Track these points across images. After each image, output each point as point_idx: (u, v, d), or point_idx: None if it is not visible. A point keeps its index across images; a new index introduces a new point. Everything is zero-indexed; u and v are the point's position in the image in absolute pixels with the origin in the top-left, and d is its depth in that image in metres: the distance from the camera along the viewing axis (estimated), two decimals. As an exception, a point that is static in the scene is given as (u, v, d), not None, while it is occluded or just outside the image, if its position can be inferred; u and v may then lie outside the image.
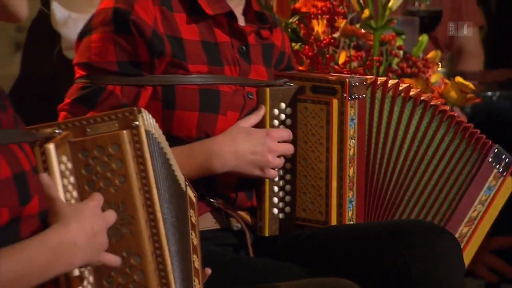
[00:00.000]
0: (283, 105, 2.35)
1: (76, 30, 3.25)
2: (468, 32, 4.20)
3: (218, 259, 2.25)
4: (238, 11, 2.36)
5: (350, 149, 2.34)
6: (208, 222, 2.31)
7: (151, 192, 1.86)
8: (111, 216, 1.77)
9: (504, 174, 2.44)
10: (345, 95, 2.31)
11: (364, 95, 2.35)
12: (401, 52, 2.85)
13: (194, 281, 1.98)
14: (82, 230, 1.67)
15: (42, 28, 3.66)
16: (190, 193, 2.04)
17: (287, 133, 2.33)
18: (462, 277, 2.20)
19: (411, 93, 2.39)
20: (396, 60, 2.83)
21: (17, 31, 3.72)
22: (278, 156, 2.32)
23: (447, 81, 2.88)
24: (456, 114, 2.42)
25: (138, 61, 2.24)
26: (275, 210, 2.36)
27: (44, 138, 1.76)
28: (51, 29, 3.43)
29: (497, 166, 2.43)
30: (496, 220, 2.47)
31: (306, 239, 2.33)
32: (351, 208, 2.35)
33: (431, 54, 2.95)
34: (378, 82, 2.37)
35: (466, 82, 2.86)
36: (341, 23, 2.76)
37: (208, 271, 2.06)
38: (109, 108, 2.19)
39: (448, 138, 2.40)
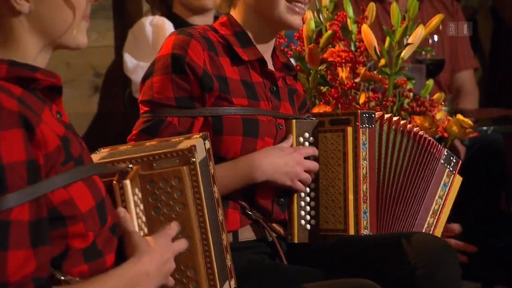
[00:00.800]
0: (307, 134, 2.37)
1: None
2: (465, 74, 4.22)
3: (257, 265, 2.26)
4: (267, 56, 2.38)
5: (363, 169, 2.35)
6: (248, 233, 2.31)
7: (204, 215, 1.88)
8: (181, 244, 1.79)
9: (454, 172, 2.47)
10: (357, 123, 2.33)
11: (373, 126, 2.36)
12: (411, 94, 2.82)
13: (229, 276, 1.99)
14: (154, 261, 1.70)
15: (116, 74, 3.66)
16: (220, 211, 2.01)
17: (312, 150, 2.35)
18: (460, 280, 2.20)
19: (407, 127, 2.41)
20: (407, 100, 2.81)
21: (95, 76, 3.71)
22: (306, 171, 2.32)
23: (449, 118, 2.86)
24: (422, 133, 2.43)
25: (192, 96, 2.24)
26: (303, 222, 2.37)
27: (120, 172, 1.77)
28: (123, 75, 3.45)
29: (448, 166, 2.45)
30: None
31: (330, 247, 2.33)
32: (366, 218, 2.35)
33: (436, 96, 2.94)
34: (384, 117, 2.39)
35: (465, 119, 2.83)
36: (362, 70, 2.73)
37: None
38: (169, 135, 2.19)
39: (415, 150, 2.41)
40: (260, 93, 2.33)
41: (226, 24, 2.34)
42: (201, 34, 2.28)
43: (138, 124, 2.26)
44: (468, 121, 2.84)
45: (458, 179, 2.48)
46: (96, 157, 1.86)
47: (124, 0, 3.79)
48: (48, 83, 1.63)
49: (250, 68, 2.34)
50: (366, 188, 2.36)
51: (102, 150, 1.94)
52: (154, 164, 1.85)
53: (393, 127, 2.40)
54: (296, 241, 2.35)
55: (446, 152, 2.45)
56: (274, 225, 2.34)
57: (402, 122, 2.43)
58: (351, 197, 2.35)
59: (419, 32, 2.74)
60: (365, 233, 2.35)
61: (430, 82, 3.01)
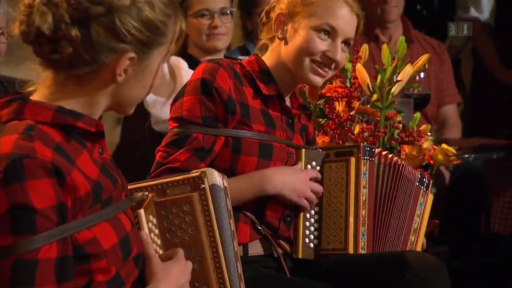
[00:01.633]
0: (314, 163, 2.37)
1: (162, 110, 3.33)
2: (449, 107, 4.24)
3: (265, 277, 2.25)
4: (286, 95, 2.39)
5: (363, 195, 2.35)
6: (258, 249, 2.30)
7: (215, 236, 1.88)
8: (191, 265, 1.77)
9: (427, 191, 2.47)
10: (360, 155, 2.34)
11: (372, 159, 2.37)
12: (401, 125, 2.81)
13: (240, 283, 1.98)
14: (169, 286, 1.69)
15: (137, 107, 3.71)
16: (232, 223, 1.99)
17: (316, 173, 2.35)
18: None
19: (388, 157, 2.41)
20: (397, 131, 2.80)
21: None
22: (311, 191, 2.32)
23: (435, 147, 2.86)
24: (397, 160, 2.41)
25: (216, 117, 2.25)
26: (307, 240, 2.36)
27: (138, 202, 1.75)
28: (143, 109, 3.42)
29: (422, 187, 2.45)
30: None
31: (331, 265, 2.33)
32: (364, 239, 2.35)
33: (423, 127, 2.93)
34: (382, 153, 2.41)
35: (449, 148, 2.84)
36: (356, 104, 2.72)
37: None
38: (193, 149, 2.22)
39: (395, 176, 2.41)
40: (277, 123, 2.34)
41: (253, 62, 2.36)
42: (229, 65, 2.30)
43: (167, 137, 2.27)
44: (452, 150, 2.84)
45: (431, 197, 2.49)
46: None
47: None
48: (87, 130, 1.63)
49: (269, 102, 2.34)
50: (365, 213, 2.36)
51: None
52: (168, 191, 1.86)
53: (382, 160, 2.41)
54: (300, 257, 2.34)
55: (419, 174, 2.45)
56: (280, 241, 2.34)
57: (389, 155, 2.43)
58: (351, 220, 2.34)
59: (407, 70, 2.75)
60: (362, 253, 2.34)
61: (418, 114, 3.01)
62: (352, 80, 2.77)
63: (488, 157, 3.90)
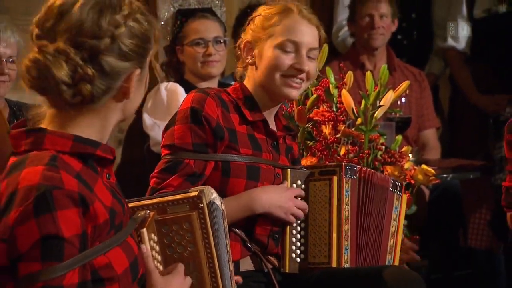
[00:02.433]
0: (299, 182, 2.37)
1: (159, 132, 3.30)
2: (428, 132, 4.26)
3: None
4: (270, 118, 2.39)
5: (346, 212, 2.35)
6: (248, 265, 2.31)
7: (212, 252, 1.87)
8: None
9: (401, 194, 2.46)
10: (342, 174, 2.34)
11: (355, 177, 2.37)
12: (383, 147, 2.80)
13: None
14: None
15: (136, 130, 3.63)
16: (228, 244, 1.98)
17: (300, 191, 2.35)
18: None
19: (369, 172, 2.41)
20: (380, 152, 2.80)
21: (119, 132, 3.70)
22: (297, 207, 2.32)
23: (415, 167, 2.86)
24: (370, 171, 2.41)
25: (206, 143, 2.25)
26: (294, 255, 2.36)
27: (140, 221, 1.74)
28: (142, 131, 3.44)
29: (396, 190, 2.45)
30: None
31: (317, 278, 2.32)
32: (347, 254, 2.34)
33: (404, 148, 2.92)
34: (363, 171, 2.40)
35: (429, 168, 2.83)
36: (342, 127, 2.73)
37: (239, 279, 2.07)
38: (185, 174, 2.21)
39: (370, 188, 2.40)
40: (263, 146, 2.34)
41: (238, 89, 2.36)
42: (216, 94, 2.30)
43: (159, 165, 2.26)
44: (431, 170, 2.84)
45: (405, 198, 2.48)
46: None
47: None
48: (105, 158, 1.63)
49: (255, 126, 2.34)
50: (348, 228, 2.35)
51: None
52: (168, 209, 1.85)
53: (362, 176, 2.40)
54: (287, 271, 2.34)
55: (392, 179, 2.45)
56: (269, 257, 2.33)
57: (364, 169, 2.42)
58: (334, 236, 2.33)
59: (390, 96, 2.75)
60: (345, 266, 2.34)
61: (399, 137, 3.01)
62: (338, 105, 2.77)
63: (465, 177, 3.91)
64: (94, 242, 1.55)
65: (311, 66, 2.34)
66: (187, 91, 3.39)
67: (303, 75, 2.33)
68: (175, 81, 3.51)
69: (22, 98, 3.12)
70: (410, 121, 3.85)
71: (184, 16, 3.52)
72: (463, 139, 4.53)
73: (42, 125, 1.61)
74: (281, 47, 2.31)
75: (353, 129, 2.76)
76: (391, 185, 2.43)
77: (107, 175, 1.65)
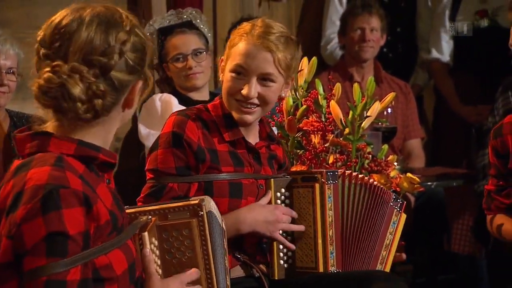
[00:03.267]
0: (283, 190, 2.37)
1: None
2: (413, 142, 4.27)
3: None
4: (250, 132, 2.35)
5: (329, 217, 2.35)
6: (238, 272, 2.31)
7: (209, 259, 1.88)
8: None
9: (400, 211, 2.46)
10: (323, 180, 2.33)
11: (336, 181, 2.36)
12: (370, 156, 2.81)
13: None
14: None
15: (132, 139, 3.63)
16: (226, 259, 2.01)
17: (290, 211, 2.34)
18: None
19: (364, 179, 2.42)
20: (367, 161, 2.79)
21: (116, 140, 3.67)
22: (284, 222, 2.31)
23: (401, 175, 2.87)
24: (374, 182, 2.42)
25: (188, 165, 2.24)
26: (281, 261, 2.36)
27: (142, 226, 1.75)
28: (138, 141, 3.42)
29: (396, 207, 2.45)
30: None
31: (305, 283, 2.32)
32: (333, 257, 2.34)
33: (390, 157, 2.92)
34: (345, 174, 2.40)
35: (414, 176, 2.84)
36: (330, 137, 2.73)
37: None
38: (170, 198, 2.19)
39: (369, 197, 2.41)
40: (244, 160, 2.32)
41: (218, 107, 2.32)
42: (196, 115, 2.28)
43: (145, 189, 2.25)
44: (416, 178, 2.85)
45: (403, 217, 2.49)
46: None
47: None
48: (107, 161, 1.65)
49: (236, 143, 2.32)
50: (332, 233, 2.35)
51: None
52: (169, 216, 1.86)
53: (353, 181, 2.41)
54: (276, 278, 2.35)
55: (394, 195, 2.46)
56: (260, 266, 2.34)
57: (360, 176, 2.43)
58: (319, 241, 2.33)
59: (376, 107, 2.76)
60: (332, 270, 2.34)
61: (385, 146, 3.01)
62: (326, 115, 2.77)
63: (448, 185, 3.92)
64: (96, 242, 1.57)
65: (265, 91, 2.25)
66: (180, 101, 3.40)
67: (255, 100, 2.25)
68: (169, 92, 3.51)
69: (23, 109, 3.13)
70: (396, 131, 3.87)
71: (163, 34, 3.51)
72: (447, 148, 4.53)
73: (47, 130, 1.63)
74: (234, 70, 2.25)
75: (341, 138, 2.77)
76: (392, 200, 2.43)
77: (107, 180, 1.66)
